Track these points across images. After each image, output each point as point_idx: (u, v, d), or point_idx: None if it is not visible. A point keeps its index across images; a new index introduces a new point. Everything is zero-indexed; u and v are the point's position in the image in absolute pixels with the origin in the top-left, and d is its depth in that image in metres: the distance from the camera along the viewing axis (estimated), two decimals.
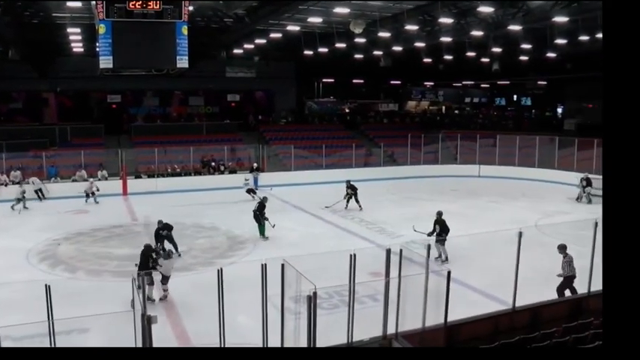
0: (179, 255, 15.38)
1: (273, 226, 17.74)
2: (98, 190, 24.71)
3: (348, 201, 22.69)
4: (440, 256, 14.90)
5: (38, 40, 27.34)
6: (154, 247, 13.65)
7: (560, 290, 11.19)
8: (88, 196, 24.35)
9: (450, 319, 8.28)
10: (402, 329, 8.26)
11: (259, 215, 17.78)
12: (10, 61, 29.36)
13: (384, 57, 30.20)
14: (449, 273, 8.05)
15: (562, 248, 11.38)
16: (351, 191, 22.64)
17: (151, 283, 11.66)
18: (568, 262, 11.39)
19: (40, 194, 25.32)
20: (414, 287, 8.50)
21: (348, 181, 23.04)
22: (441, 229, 15.22)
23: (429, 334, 8.27)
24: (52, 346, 6.56)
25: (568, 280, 11.25)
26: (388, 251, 8.22)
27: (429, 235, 15.20)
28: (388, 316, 8.19)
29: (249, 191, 24.92)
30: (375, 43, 27.46)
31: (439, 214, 15.56)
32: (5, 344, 6.72)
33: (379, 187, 27.90)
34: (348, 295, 8.04)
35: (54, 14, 23.15)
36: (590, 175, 24.49)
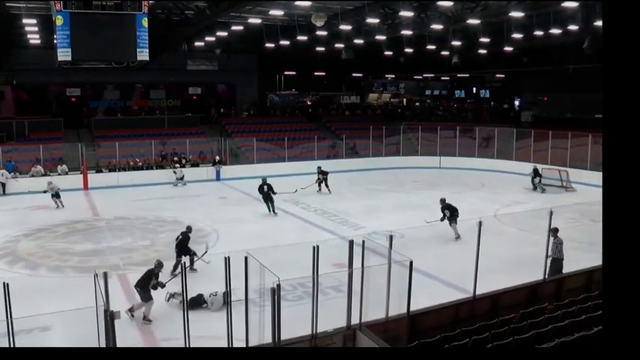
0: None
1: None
2: (59, 189, 22.98)
3: (319, 185, 24.53)
4: (459, 237, 16.18)
5: None
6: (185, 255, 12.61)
7: (552, 272, 11.22)
8: (56, 196, 22.25)
9: (412, 308, 8.45)
10: (366, 319, 8.40)
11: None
12: None
13: (345, 50, 30.30)
14: (411, 263, 8.21)
15: (554, 231, 11.49)
16: (322, 176, 24.60)
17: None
18: (557, 244, 11.66)
19: (2, 188, 24.80)
20: (377, 278, 8.63)
21: (319, 167, 25.16)
22: (451, 213, 16.52)
23: (392, 323, 8.43)
24: (11, 345, 6.43)
25: (556, 262, 11.49)
26: (351, 242, 8.33)
27: (442, 220, 16.57)
28: (352, 307, 8.31)
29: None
30: (336, 36, 27.53)
31: (443, 200, 16.97)
32: None
33: (342, 179, 28.08)
34: (312, 286, 8.11)
35: (8, 4, 22.38)
36: (538, 166, 25.86)
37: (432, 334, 7.95)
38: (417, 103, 54.56)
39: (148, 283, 10.83)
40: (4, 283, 6.36)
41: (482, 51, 32.66)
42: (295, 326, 8.04)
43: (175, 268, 12.48)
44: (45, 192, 22.86)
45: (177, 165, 29.37)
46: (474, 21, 22.66)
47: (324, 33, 25.87)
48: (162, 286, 10.88)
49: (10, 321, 6.40)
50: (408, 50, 30.94)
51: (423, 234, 16.27)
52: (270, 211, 20.08)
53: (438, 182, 27.19)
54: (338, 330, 8.44)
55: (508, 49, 30.68)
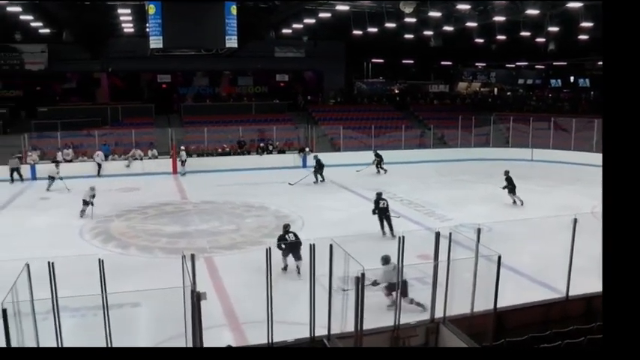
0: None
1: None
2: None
3: (377, 167, 26.75)
4: (515, 202, 19.22)
5: (90, 21, 27.90)
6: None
7: None
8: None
9: (499, 305, 8.13)
10: (450, 313, 8.18)
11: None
12: (64, 43, 30.28)
13: (434, 37, 29.60)
14: (499, 258, 7.89)
15: None
16: (378, 158, 26.82)
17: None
18: None
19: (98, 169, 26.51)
20: (463, 271, 8.39)
21: (375, 150, 27.62)
22: (512, 185, 19.21)
23: (478, 319, 8.17)
24: (106, 319, 6.76)
25: None
26: (437, 234, 8.12)
27: (504, 188, 19.34)
28: (436, 300, 8.12)
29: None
30: (425, 23, 26.93)
31: (507, 172, 19.54)
32: (63, 315, 6.99)
33: (429, 169, 27.60)
34: (396, 277, 7.99)
35: None
36: None
37: (520, 333, 7.62)
38: (509, 93, 52.43)
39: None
40: (99, 259, 6.70)
41: (583, 37, 30.82)
42: (378, 316, 7.98)
43: None
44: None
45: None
46: (574, 4, 21.38)
47: (412, 20, 25.36)
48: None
49: (104, 295, 6.73)
50: (501, 37, 29.79)
51: (511, 228, 15.62)
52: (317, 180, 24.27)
53: (528, 175, 26.01)
54: (421, 322, 8.29)
55: None
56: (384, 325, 8.00)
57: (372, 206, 15.88)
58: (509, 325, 8.32)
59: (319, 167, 24.94)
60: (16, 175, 25.36)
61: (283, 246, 12.06)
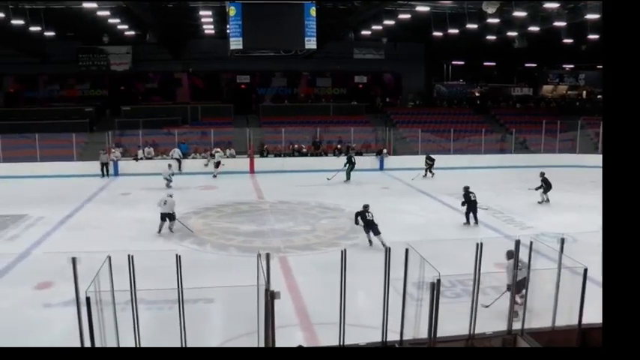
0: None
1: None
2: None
3: (427, 171, 26.49)
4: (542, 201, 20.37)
5: (173, 23, 28.97)
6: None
7: None
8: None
9: (584, 321, 7.67)
10: (529, 326, 7.81)
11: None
12: (147, 44, 31.63)
13: (518, 38, 28.59)
14: (585, 270, 7.46)
15: None
16: (430, 162, 26.56)
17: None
18: None
19: (178, 165, 27.47)
20: (544, 283, 8.01)
21: (427, 154, 27.20)
22: (547, 185, 20.18)
23: (559, 334, 7.73)
24: (181, 312, 6.92)
25: None
26: (517, 242, 7.77)
27: (537, 189, 20.31)
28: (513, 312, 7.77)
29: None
30: (509, 23, 26.05)
31: (542, 174, 20.47)
32: (140, 307, 7.22)
33: (510, 174, 26.70)
34: (472, 284, 7.72)
35: None
36: None
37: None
38: (599, 96, 49.95)
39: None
40: (176, 255, 6.87)
41: None
42: (451, 324, 7.73)
43: None
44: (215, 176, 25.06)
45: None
46: None
47: (495, 20, 24.59)
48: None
49: (180, 290, 6.90)
50: (592, 37, 28.35)
51: (598, 239, 14.81)
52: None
53: None
54: (497, 333, 7.94)
55: None
56: (458, 333, 7.75)
57: (460, 203, 17.61)
58: (594, 343, 7.83)
59: (352, 166, 25.57)
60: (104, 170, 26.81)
61: (361, 222, 14.35)
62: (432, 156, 27.21)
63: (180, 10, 25.97)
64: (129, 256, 6.71)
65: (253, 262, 7.17)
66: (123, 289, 6.77)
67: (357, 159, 29.00)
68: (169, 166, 24.34)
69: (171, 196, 16.51)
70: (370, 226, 14.37)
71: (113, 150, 28.55)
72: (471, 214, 17.07)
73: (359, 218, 14.60)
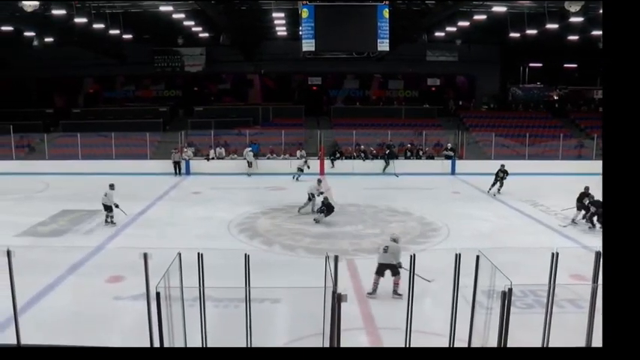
0: None
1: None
2: (309, 167, 26.73)
3: (501, 181, 22.84)
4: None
5: (245, 25, 29.46)
6: None
7: None
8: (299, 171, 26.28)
9: None
10: None
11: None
12: (220, 46, 32.41)
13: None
14: None
15: None
16: (503, 174, 22.93)
17: None
18: None
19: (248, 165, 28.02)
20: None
21: (502, 165, 23.33)
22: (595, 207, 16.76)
23: None
24: (248, 311, 6.98)
25: None
26: (598, 254, 7.35)
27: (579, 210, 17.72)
28: (594, 327, 7.36)
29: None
30: (594, 22, 24.84)
31: (586, 188, 17.88)
32: (208, 304, 7.35)
33: (590, 182, 25.41)
34: (546, 296, 7.38)
35: (260, 1, 24.61)
36: None
37: None
38: None
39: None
40: (245, 254, 6.95)
41: None
42: (522, 335, 7.43)
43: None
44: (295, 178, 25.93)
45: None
46: None
47: (578, 19, 23.49)
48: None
49: (248, 289, 6.97)
50: None
51: None
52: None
53: None
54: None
55: None
56: (528, 344, 7.42)
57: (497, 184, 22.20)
58: None
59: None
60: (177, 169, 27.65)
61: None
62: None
63: (253, 12, 26.45)
64: (198, 253, 6.84)
65: (320, 264, 7.15)
66: (192, 285, 6.91)
67: (429, 163, 28.62)
68: (305, 160, 26.90)
69: (111, 187, 17.38)
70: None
71: (185, 149, 29.35)
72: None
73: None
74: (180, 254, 6.90)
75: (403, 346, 7.36)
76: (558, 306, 9.62)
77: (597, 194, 22.31)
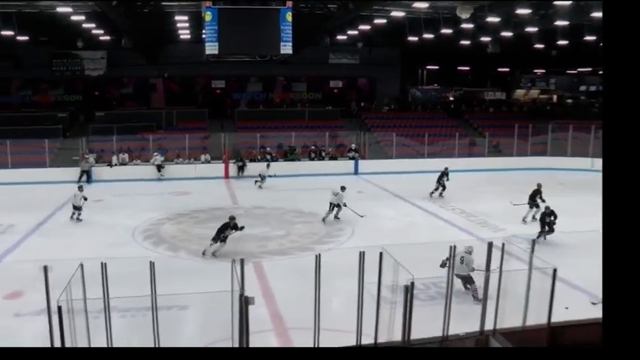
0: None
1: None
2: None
3: (442, 187, 22.72)
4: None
5: (148, 28, 28.76)
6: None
7: None
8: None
9: (553, 320, 7.82)
10: (501, 326, 7.93)
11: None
12: (122, 49, 31.35)
13: (492, 43, 29.01)
14: (554, 271, 7.62)
15: None
16: (445, 177, 22.80)
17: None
18: None
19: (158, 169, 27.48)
20: (515, 284, 8.13)
21: (445, 168, 23.24)
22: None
23: (530, 333, 7.86)
24: (155, 320, 6.88)
25: None
26: (490, 244, 7.87)
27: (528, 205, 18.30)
28: (487, 312, 7.89)
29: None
30: (483, 29, 26.43)
31: (538, 185, 18.44)
32: (114, 315, 7.16)
33: (482, 178, 27.00)
34: (445, 287, 7.82)
35: (163, 3, 24.14)
36: None
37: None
38: (569, 100, 50.87)
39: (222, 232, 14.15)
40: (150, 262, 6.83)
41: None
42: (425, 327, 7.81)
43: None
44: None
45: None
46: None
47: (469, 25, 24.94)
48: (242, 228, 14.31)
49: (154, 297, 6.86)
50: (562, 42, 28.88)
51: (568, 241, 15.14)
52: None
53: (588, 185, 25.12)
54: (470, 334, 8.04)
55: None
56: (431, 335, 7.83)
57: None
58: (564, 340, 7.99)
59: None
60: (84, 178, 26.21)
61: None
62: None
63: (156, 14, 25.80)
64: (102, 263, 6.65)
65: (228, 268, 7.16)
66: (96, 297, 6.70)
67: (332, 163, 29.07)
68: (267, 165, 26.50)
69: (80, 189, 18.71)
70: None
71: (87, 156, 28.12)
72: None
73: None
74: (82, 265, 6.67)
75: (312, 345, 7.51)
76: (457, 296, 10.21)
77: (492, 189, 24.01)
